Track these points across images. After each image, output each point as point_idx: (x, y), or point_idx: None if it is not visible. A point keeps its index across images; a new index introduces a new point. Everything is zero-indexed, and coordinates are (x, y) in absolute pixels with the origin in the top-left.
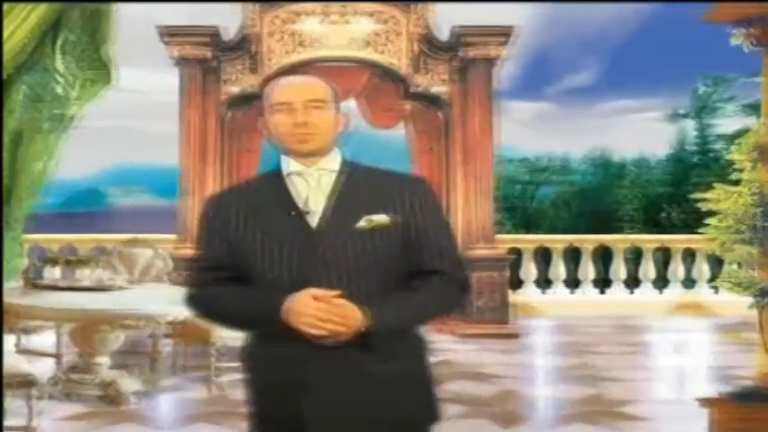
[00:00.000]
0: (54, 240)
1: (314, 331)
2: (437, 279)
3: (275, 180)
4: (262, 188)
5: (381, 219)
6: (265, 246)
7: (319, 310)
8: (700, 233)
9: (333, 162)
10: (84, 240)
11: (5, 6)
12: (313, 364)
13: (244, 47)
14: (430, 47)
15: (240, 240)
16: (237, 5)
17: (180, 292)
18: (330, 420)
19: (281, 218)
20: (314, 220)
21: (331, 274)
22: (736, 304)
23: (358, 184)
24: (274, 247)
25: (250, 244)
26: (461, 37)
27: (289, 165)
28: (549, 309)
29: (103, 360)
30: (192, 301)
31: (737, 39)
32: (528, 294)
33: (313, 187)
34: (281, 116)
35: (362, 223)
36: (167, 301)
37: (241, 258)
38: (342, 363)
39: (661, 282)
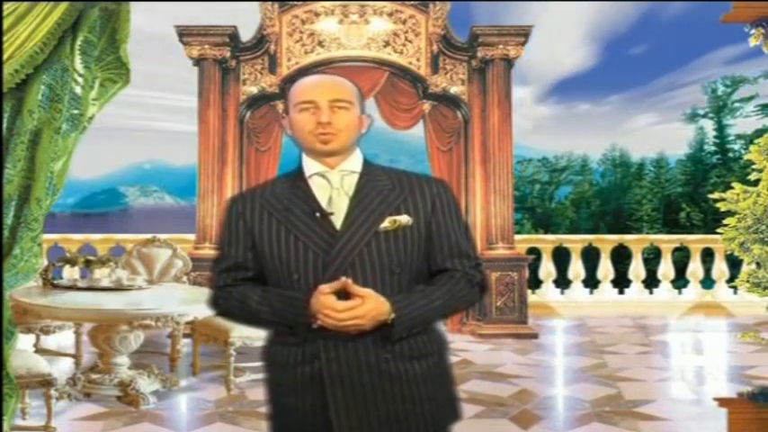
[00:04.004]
0: (73, 240)
1: (337, 326)
2: (458, 276)
3: (297, 181)
4: (284, 189)
5: (404, 219)
6: (290, 246)
7: (341, 312)
8: (719, 233)
9: (355, 163)
10: (102, 240)
11: (25, 6)
12: (334, 364)
13: (262, 47)
14: (448, 47)
15: (264, 241)
16: (256, 5)
17: (199, 292)
18: (351, 419)
19: (305, 219)
20: (337, 221)
21: (356, 274)
22: (755, 304)
23: (380, 186)
24: (299, 248)
25: (274, 244)
26: (480, 37)
27: (311, 166)
28: (568, 309)
29: (122, 360)
30: (215, 300)
31: (756, 39)
32: (546, 294)
33: (336, 188)
34: (306, 115)
35: (386, 224)
36: (186, 301)
37: (265, 259)
38: (363, 362)
39: (680, 282)
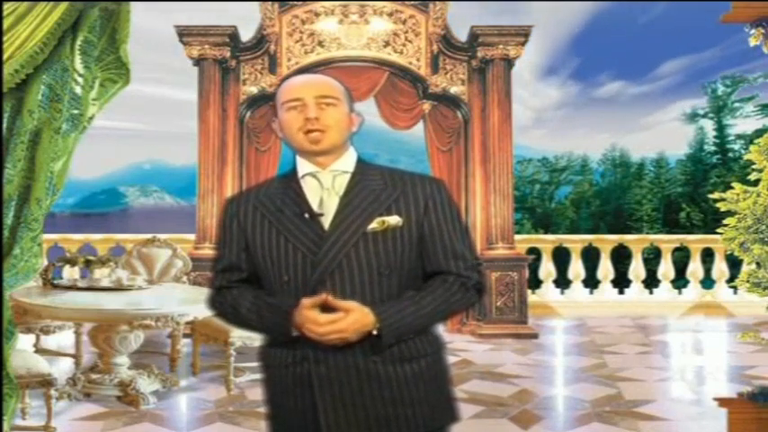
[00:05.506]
0: (73, 240)
1: (321, 339)
2: (452, 280)
3: (291, 181)
4: (278, 190)
5: (394, 220)
6: (281, 248)
7: (323, 326)
8: (719, 233)
9: (347, 163)
10: (102, 240)
11: (25, 6)
12: (323, 366)
13: (262, 47)
14: (448, 47)
15: (256, 242)
16: (256, 5)
17: (199, 292)
18: (340, 420)
19: (295, 220)
20: (327, 222)
21: (343, 275)
22: (755, 304)
23: (372, 185)
24: (289, 250)
25: (266, 246)
26: (480, 37)
27: (303, 166)
28: (568, 309)
29: (122, 360)
30: (212, 302)
31: (756, 39)
32: (546, 294)
33: (327, 189)
34: (293, 113)
35: (374, 225)
36: (186, 301)
37: (258, 260)
38: (352, 364)
39: (680, 282)
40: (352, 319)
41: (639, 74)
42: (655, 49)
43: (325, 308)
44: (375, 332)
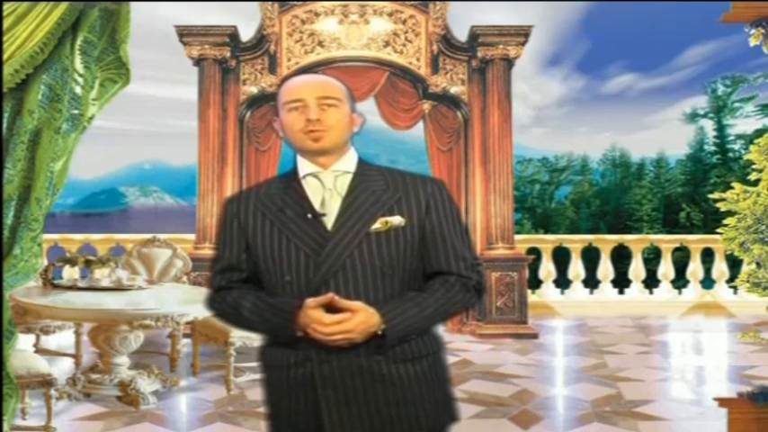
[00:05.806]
0: (73, 240)
1: (327, 340)
2: (452, 281)
3: (292, 181)
4: (279, 190)
5: (396, 220)
6: (282, 248)
7: (329, 326)
8: (719, 233)
9: (348, 163)
10: (102, 240)
11: (25, 6)
12: (326, 366)
13: (263, 47)
14: (449, 47)
15: (257, 242)
16: (256, 5)
17: (198, 292)
18: (348, 420)
19: (297, 220)
20: (330, 223)
21: (347, 276)
22: (755, 304)
23: (374, 186)
24: (291, 250)
25: (267, 246)
26: (480, 37)
27: (304, 167)
28: (568, 309)
29: (122, 360)
30: (211, 303)
31: (756, 39)
32: (546, 294)
33: (329, 189)
34: (295, 114)
35: (377, 225)
36: (186, 302)
37: (259, 260)
38: (355, 364)
39: (680, 282)
40: (359, 319)
41: (655, 64)
42: (675, 34)
43: (330, 308)
44: (379, 332)
